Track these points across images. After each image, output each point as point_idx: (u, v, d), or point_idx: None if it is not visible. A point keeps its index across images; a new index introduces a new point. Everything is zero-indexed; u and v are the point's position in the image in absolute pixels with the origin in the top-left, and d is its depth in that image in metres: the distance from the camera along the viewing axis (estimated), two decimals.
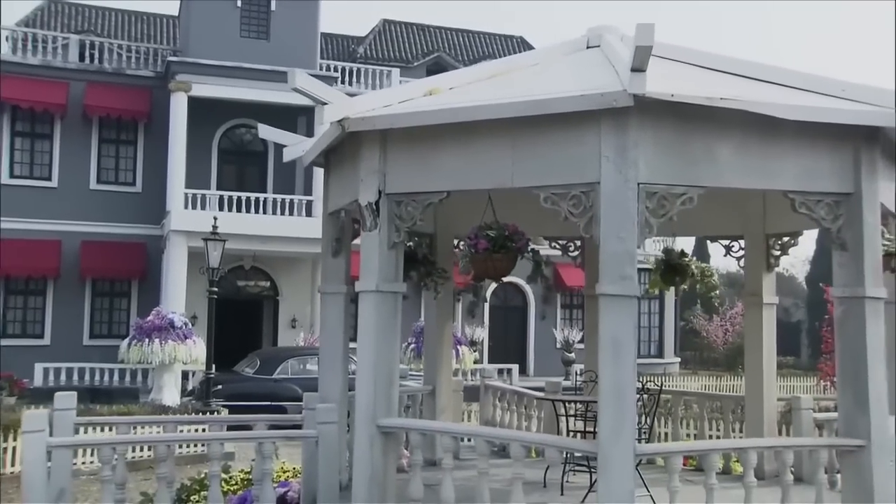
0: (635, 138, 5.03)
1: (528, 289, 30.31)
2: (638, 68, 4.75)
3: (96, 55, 25.55)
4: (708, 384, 30.53)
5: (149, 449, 12.07)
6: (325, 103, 5.71)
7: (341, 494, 6.28)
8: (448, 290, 8.90)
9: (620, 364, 4.96)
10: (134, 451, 11.42)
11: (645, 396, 6.96)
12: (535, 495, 6.65)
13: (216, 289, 16.44)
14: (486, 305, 30.36)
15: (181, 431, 9.97)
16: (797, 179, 5.43)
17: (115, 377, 21.79)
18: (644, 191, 5.05)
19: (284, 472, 9.19)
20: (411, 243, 8.14)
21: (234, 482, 8.43)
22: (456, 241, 8.50)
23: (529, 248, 5.97)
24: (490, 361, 28.53)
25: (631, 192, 5.02)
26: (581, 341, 31.12)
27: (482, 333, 29.41)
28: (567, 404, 7.51)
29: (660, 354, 35.81)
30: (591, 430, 6.94)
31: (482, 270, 5.97)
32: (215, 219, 16.88)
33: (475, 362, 25.87)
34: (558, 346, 29.50)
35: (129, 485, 9.00)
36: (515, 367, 27.07)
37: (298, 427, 6.84)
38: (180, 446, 12.11)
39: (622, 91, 4.88)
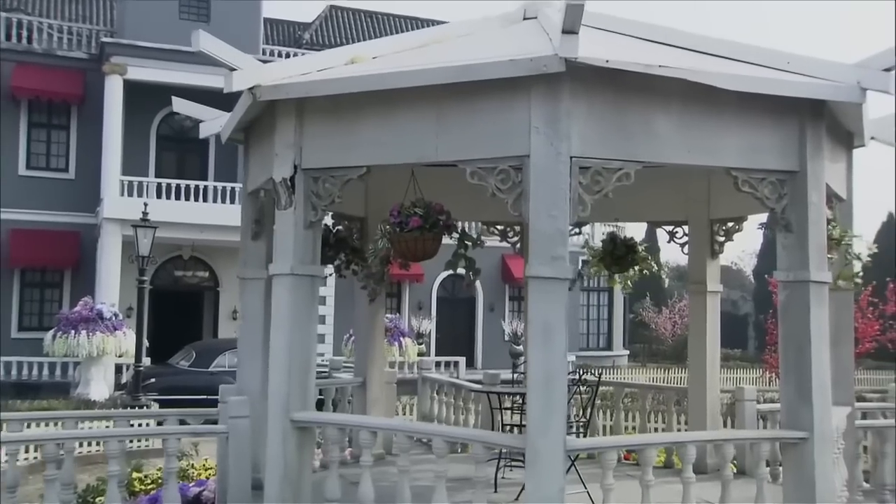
0: (568, 108, 4.66)
1: (476, 281, 29.98)
2: (569, 30, 4.38)
3: (24, 34, 24.39)
4: (656, 377, 30.59)
5: (84, 445, 11.40)
6: (235, 69, 5.23)
7: (256, 494, 5.82)
8: (381, 280, 8.47)
9: (550, 351, 4.60)
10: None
11: (582, 388, 6.62)
12: (468, 492, 6.25)
13: (146, 278, 15.69)
14: (434, 297, 29.99)
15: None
16: (740, 156, 5.11)
17: (45, 371, 20.86)
18: (577, 165, 4.69)
19: (207, 469, 8.70)
20: (341, 227, 7.69)
21: (149, 481, 7.90)
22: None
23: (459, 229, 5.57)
24: (437, 354, 28.15)
25: (563, 167, 4.65)
26: None
27: (429, 326, 29.02)
28: (501, 397, 7.14)
29: (608, 347, 35.86)
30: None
31: (409, 251, 5.55)
32: (145, 204, 16.16)
33: (421, 355, 25.45)
34: (506, 338, 29.25)
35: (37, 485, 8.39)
36: (462, 360, 26.76)
37: (215, 422, 6.37)
38: (86, 444, 11.42)
39: (553, 55, 4.49)
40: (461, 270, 5.75)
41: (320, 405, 8.21)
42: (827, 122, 5.39)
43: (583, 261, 8.99)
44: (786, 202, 5.22)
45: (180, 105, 6.92)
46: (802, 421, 5.11)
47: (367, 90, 5.08)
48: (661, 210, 8.58)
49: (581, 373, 6.64)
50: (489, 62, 4.72)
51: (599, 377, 6.64)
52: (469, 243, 5.47)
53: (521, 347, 28.82)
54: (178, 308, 25.36)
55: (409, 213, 5.54)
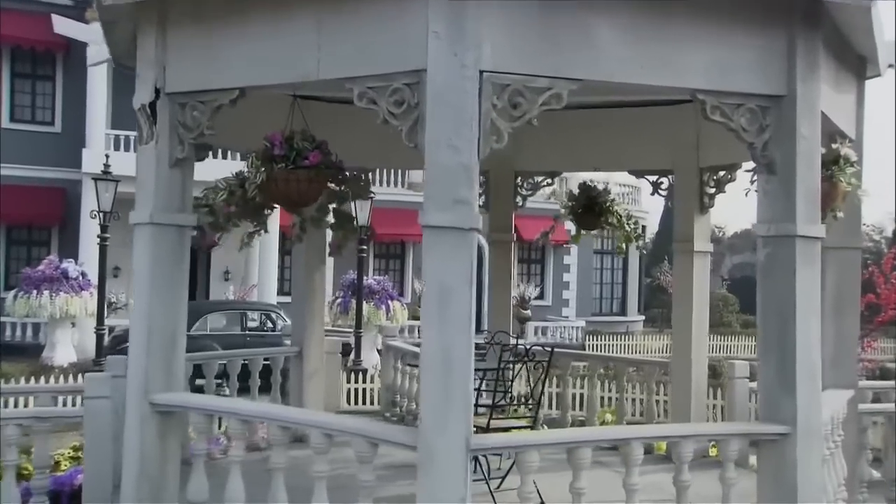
0: (476, 8, 3.56)
1: (483, 242, 28.83)
2: None
3: None
4: (671, 344, 29.38)
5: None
6: None
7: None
8: (321, 233, 7.46)
9: (448, 322, 3.62)
10: None
11: (531, 365, 5.59)
12: (401, 483, 5.28)
13: (108, 235, 14.70)
14: None
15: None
16: (708, 75, 3.99)
17: (29, 332, 20.09)
18: (490, 82, 3.61)
19: None
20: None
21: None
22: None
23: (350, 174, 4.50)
24: None
25: (470, 84, 3.57)
26: (538, 297, 30.15)
27: None
28: None
29: (622, 312, 34.71)
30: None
31: (298, 193, 4.48)
32: (107, 156, 15.15)
33: (419, 318, 24.39)
34: (514, 302, 28.19)
35: None
36: None
37: None
38: None
39: None
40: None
41: (246, 378, 7.26)
42: (827, 34, 4.25)
43: (555, 216, 7.89)
44: (768, 136, 4.09)
45: (62, 25, 5.87)
46: (783, 412, 4.05)
47: None
48: (644, 157, 7.50)
49: (528, 345, 5.61)
50: None
51: (552, 352, 5.58)
52: (350, 191, 4.40)
53: (528, 312, 27.84)
54: None
55: (303, 146, 4.46)
